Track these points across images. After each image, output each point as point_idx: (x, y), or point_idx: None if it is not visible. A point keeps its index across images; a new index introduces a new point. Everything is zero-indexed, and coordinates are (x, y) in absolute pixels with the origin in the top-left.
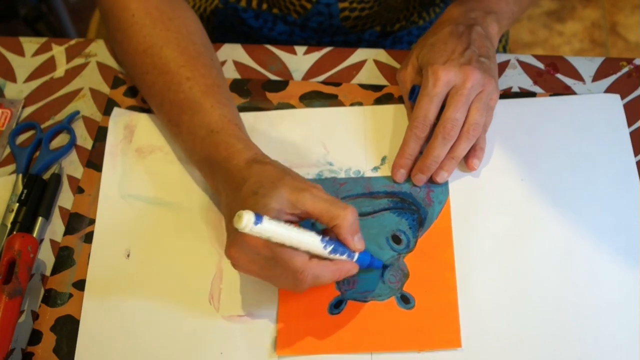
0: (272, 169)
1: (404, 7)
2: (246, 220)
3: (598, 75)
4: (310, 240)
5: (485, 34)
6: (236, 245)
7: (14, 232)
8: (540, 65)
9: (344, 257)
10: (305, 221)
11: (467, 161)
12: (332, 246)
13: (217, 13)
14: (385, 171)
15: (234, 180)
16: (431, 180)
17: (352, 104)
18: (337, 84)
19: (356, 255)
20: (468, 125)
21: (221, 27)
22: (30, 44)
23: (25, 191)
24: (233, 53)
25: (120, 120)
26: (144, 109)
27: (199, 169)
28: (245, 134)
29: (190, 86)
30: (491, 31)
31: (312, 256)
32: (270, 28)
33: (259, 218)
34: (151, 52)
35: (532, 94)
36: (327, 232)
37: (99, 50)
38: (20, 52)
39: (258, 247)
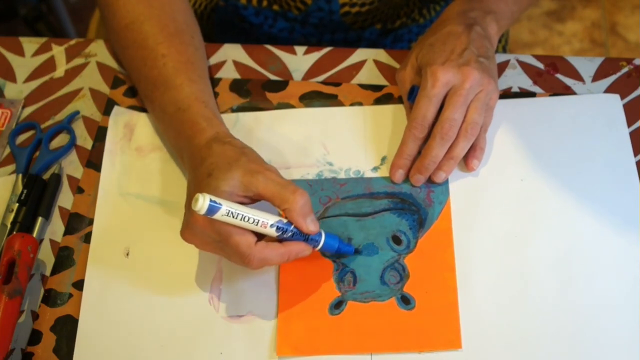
0: (230, 149)
1: (404, 3)
2: (200, 204)
3: (598, 75)
4: (262, 228)
5: (484, 34)
6: (188, 227)
7: (14, 232)
8: (540, 65)
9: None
10: None
11: (467, 161)
12: (290, 233)
13: (218, 10)
14: (385, 171)
15: (194, 160)
16: (430, 181)
17: (352, 104)
18: (337, 84)
19: (322, 241)
20: (466, 125)
21: (222, 25)
22: (30, 44)
23: (25, 191)
24: (233, 53)
25: (120, 119)
26: (144, 108)
27: (171, 146)
28: (212, 111)
29: (164, 63)
30: (490, 31)
31: (261, 238)
32: (271, 25)
33: (213, 206)
34: (132, 27)
35: (532, 94)
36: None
37: (99, 50)
38: (20, 52)
39: (206, 229)
